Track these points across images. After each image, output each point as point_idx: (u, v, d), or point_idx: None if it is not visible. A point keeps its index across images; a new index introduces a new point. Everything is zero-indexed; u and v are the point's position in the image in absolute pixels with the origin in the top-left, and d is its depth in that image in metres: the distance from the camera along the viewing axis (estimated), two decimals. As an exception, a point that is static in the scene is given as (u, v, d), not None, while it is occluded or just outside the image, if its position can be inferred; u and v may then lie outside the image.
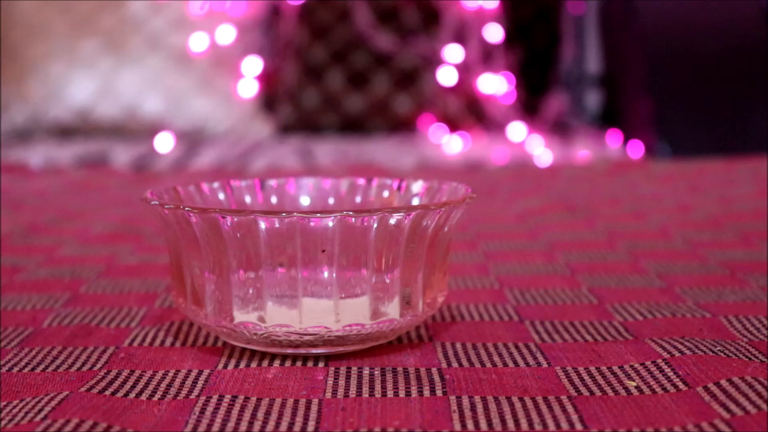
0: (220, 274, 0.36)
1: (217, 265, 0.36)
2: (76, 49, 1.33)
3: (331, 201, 0.44)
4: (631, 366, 0.35)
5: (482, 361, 0.36)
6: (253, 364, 0.36)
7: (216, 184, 0.43)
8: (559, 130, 1.40)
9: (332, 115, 1.43)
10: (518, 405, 0.31)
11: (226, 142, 1.30)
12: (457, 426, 0.30)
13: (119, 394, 0.33)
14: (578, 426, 0.29)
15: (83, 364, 0.36)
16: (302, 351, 0.36)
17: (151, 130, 1.32)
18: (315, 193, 0.45)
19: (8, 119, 1.32)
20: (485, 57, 1.40)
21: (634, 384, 0.33)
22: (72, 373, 0.35)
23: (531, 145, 1.25)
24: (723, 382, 0.32)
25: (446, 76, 1.39)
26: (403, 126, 1.42)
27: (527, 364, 0.36)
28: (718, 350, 0.36)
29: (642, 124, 1.26)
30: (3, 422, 0.30)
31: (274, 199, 0.44)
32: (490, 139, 1.36)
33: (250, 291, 0.36)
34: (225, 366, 0.36)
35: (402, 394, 0.33)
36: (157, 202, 0.36)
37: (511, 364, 0.36)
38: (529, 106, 1.42)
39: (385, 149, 1.25)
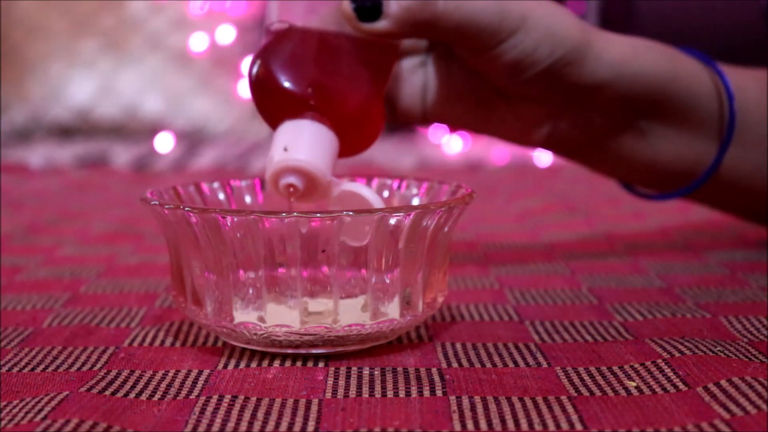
0: (220, 274, 0.36)
1: (217, 265, 0.36)
2: (76, 49, 1.33)
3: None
4: (631, 366, 0.35)
5: (482, 361, 0.36)
6: (253, 364, 0.36)
7: (216, 184, 0.43)
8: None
9: (332, 115, 1.43)
10: (518, 405, 0.31)
11: (226, 142, 1.30)
12: (457, 426, 0.30)
13: (119, 394, 0.33)
14: (578, 426, 0.29)
15: (83, 364, 0.36)
16: (302, 351, 0.36)
17: (151, 130, 1.31)
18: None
19: (8, 119, 1.32)
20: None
21: (634, 384, 0.33)
22: (72, 373, 0.35)
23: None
24: (723, 382, 0.32)
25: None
26: (403, 126, 1.42)
27: (527, 364, 0.36)
28: (718, 350, 0.36)
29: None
30: (3, 422, 0.30)
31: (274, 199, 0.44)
32: (490, 139, 1.35)
33: (250, 291, 0.36)
34: (225, 366, 0.36)
35: (402, 394, 0.33)
36: (157, 202, 0.36)
37: (511, 364, 0.36)
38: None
39: (385, 149, 1.25)
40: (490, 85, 0.49)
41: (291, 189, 0.40)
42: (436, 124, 0.53)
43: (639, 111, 0.50)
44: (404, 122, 0.52)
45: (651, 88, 0.49)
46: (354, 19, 0.43)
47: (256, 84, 0.42)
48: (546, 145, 0.51)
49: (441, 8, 0.44)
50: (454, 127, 0.53)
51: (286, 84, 0.41)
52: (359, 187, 0.40)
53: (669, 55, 0.50)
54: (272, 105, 0.42)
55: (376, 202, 0.39)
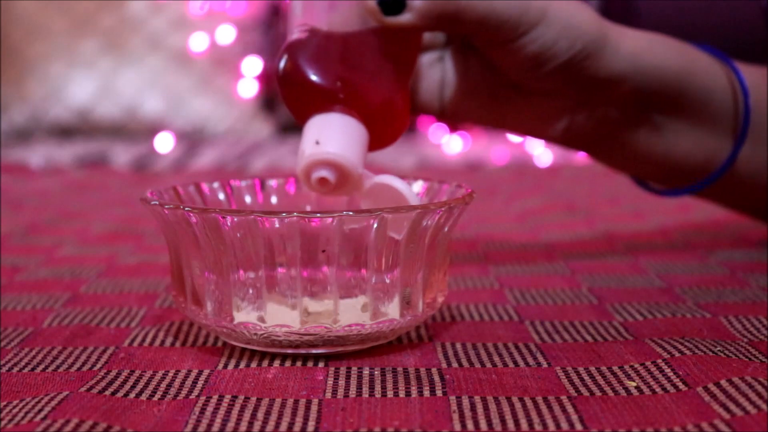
0: (220, 274, 0.36)
1: (217, 265, 0.36)
2: (76, 49, 1.33)
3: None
4: (631, 366, 0.35)
5: (482, 361, 0.36)
6: (253, 364, 0.36)
7: (216, 184, 0.43)
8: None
9: (332, 115, 1.42)
10: (518, 405, 0.31)
11: (226, 142, 1.30)
12: (457, 426, 0.30)
13: (119, 394, 0.33)
14: (578, 426, 0.29)
15: (83, 364, 0.36)
16: (302, 351, 0.36)
17: (151, 130, 1.32)
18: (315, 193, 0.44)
19: (8, 119, 1.32)
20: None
21: (634, 384, 0.33)
22: (72, 373, 0.35)
23: (531, 145, 1.25)
24: (723, 382, 0.32)
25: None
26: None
27: (527, 364, 0.36)
28: (718, 350, 0.36)
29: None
30: (3, 422, 0.30)
31: (274, 199, 0.44)
32: (490, 139, 1.36)
33: (250, 291, 0.36)
34: (225, 366, 0.36)
35: (402, 394, 0.33)
36: (157, 202, 0.36)
37: (511, 364, 0.36)
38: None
39: (385, 149, 1.25)
40: (507, 79, 0.49)
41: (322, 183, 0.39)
42: (451, 121, 0.53)
43: (654, 105, 0.50)
44: (422, 116, 0.52)
45: (666, 82, 0.49)
46: (378, 13, 0.43)
47: (284, 78, 0.42)
48: (562, 140, 0.51)
49: (464, 1, 0.44)
50: (471, 122, 0.53)
51: (315, 78, 0.41)
52: (392, 179, 0.39)
53: (684, 50, 0.51)
54: (301, 99, 0.42)
55: (410, 194, 0.39)
